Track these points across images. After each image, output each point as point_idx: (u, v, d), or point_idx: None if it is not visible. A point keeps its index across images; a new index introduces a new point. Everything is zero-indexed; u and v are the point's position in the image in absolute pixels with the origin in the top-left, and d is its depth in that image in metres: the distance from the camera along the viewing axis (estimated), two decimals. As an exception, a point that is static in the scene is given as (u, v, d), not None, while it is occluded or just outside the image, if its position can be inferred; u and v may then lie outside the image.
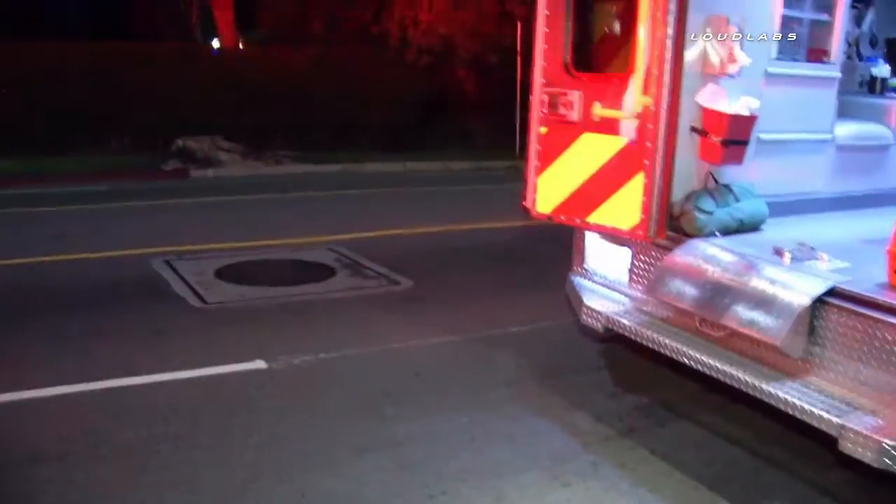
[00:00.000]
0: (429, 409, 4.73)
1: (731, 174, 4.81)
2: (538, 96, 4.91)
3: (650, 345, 4.34)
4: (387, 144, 16.58)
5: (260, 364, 5.27)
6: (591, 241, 5.16)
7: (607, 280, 5.06)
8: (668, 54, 4.33)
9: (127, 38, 16.63)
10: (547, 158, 4.95)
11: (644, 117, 4.44)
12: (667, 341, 4.21)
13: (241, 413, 4.59)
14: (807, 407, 3.55)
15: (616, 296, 4.93)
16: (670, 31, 4.30)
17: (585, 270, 5.24)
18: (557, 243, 9.08)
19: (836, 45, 5.20)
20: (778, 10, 4.80)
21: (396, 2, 18.61)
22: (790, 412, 3.64)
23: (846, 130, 5.40)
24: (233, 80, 15.79)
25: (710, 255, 4.27)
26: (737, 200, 4.68)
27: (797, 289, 3.80)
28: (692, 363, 4.09)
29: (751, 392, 3.81)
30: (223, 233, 8.82)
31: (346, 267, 7.68)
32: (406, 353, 5.61)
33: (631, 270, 4.87)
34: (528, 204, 5.13)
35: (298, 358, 5.38)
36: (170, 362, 5.22)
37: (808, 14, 5.04)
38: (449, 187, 13.32)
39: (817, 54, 5.18)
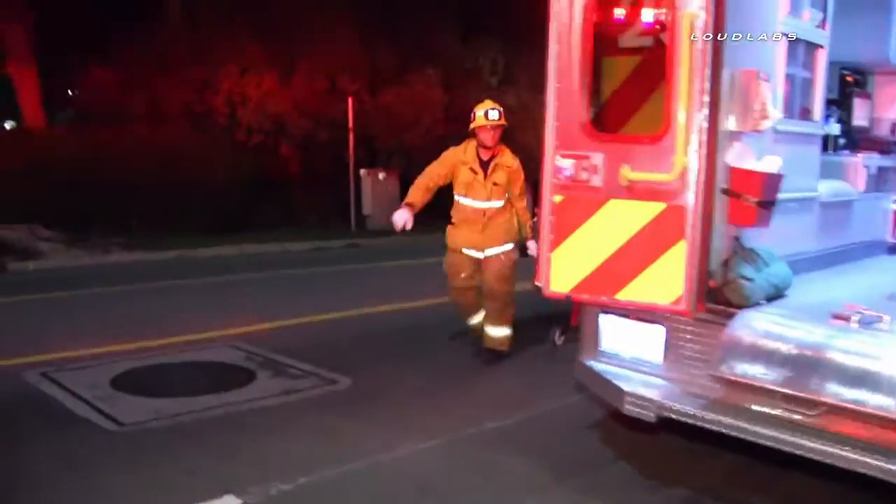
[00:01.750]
0: (466, 534, 3.96)
1: (748, 238, 4.53)
2: (551, 161, 4.40)
3: (728, 431, 3.87)
4: (218, 227, 15.47)
5: (232, 501, 4.22)
6: (607, 320, 4.65)
7: (633, 362, 4.56)
8: (706, 110, 4.02)
9: None
10: (563, 230, 4.42)
11: (684, 179, 4.06)
12: (756, 428, 3.76)
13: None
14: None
15: (650, 379, 4.44)
16: (708, 85, 3.99)
17: (602, 353, 4.70)
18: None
19: (818, 102, 5.15)
20: (782, 66, 4.64)
21: (222, 79, 17.59)
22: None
23: (825, 188, 5.34)
24: (44, 164, 14.21)
25: (773, 328, 3.91)
26: (766, 265, 4.38)
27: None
28: (790, 449, 3.67)
29: (879, 476, 3.43)
30: (87, 334, 7.42)
31: (263, 367, 6.64)
32: (394, 466, 4.75)
33: (666, 349, 4.41)
34: (539, 282, 4.55)
35: (274, 487, 4.37)
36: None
37: (799, 72, 4.94)
38: (294, 271, 12.28)
39: (804, 112, 5.09)
